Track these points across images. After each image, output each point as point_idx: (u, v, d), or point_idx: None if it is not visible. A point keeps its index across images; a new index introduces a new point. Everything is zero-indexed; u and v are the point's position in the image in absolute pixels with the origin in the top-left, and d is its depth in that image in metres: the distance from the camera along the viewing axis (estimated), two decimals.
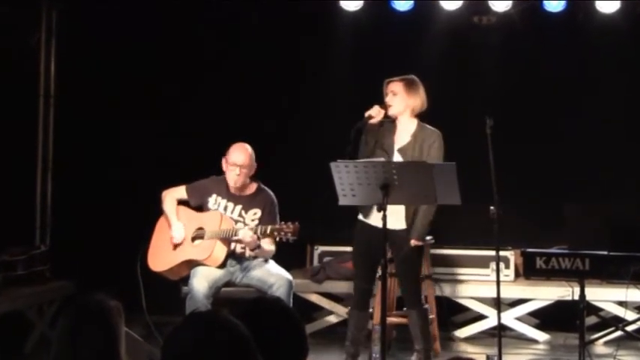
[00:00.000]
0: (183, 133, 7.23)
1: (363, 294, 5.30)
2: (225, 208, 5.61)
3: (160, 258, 5.62)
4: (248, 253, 5.54)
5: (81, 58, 7.17)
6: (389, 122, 5.29)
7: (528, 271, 5.58)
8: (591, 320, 6.50)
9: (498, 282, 5.19)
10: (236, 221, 5.57)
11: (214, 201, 5.63)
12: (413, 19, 7.14)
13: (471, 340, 6.71)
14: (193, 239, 5.58)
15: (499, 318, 5.26)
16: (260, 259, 5.58)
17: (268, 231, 5.31)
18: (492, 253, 5.49)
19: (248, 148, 5.61)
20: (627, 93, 7.06)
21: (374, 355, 5.38)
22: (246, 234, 5.34)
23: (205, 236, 5.52)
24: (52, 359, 2.84)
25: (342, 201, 4.76)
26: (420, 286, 5.49)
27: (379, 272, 4.91)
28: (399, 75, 5.40)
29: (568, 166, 7.06)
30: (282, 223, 5.33)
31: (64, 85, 7.24)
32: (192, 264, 5.52)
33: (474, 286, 6.71)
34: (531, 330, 6.72)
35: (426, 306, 5.43)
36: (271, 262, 5.63)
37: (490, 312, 6.60)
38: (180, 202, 5.71)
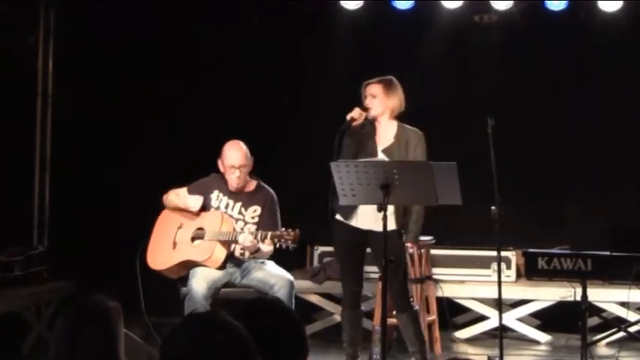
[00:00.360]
0: (182, 133, 7.23)
1: (353, 294, 5.26)
2: (227, 206, 5.59)
3: (160, 256, 5.59)
4: (247, 255, 5.50)
5: (79, 58, 7.16)
6: (368, 124, 5.25)
7: (530, 272, 5.53)
8: (593, 321, 6.46)
9: (500, 282, 5.17)
10: (236, 219, 5.55)
11: (216, 197, 5.61)
12: (413, 18, 7.14)
13: (472, 341, 6.70)
14: (193, 239, 5.55)
15: (500, 319, 5.24)
16: (259, 260, 5.55)
17: (268, 237, 5.27)
18: (493, 253, 5.51)
19: (242, 145, 5.56)
20: (629, 92, 7.03)
21: (374, 356, 5.36)
22: (246, 239, 5.31)
23: (205, 237, 5.49)
24: None
25: (343, 201, 4.74)
26: (408, 288, 5.41)
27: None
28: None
29: (569, 165, 7.05)
30: (283, 229, 5.28)
31: (62, 84, 7.23)
32: (191, 264, 5.49)
33: (475, 286, 6.70)
34: (533, 331, 6.71)
35: (416, 307, 5.37)
36: (272, 263, 5.60)
37: (491, 313, 6.59)
38: None
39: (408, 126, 5.28)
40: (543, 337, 6.66)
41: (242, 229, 5.49)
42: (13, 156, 6.85)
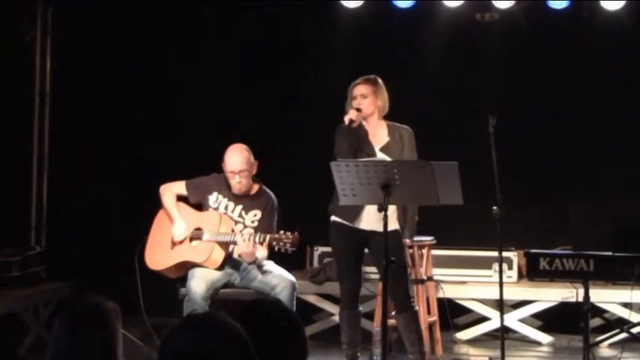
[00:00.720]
0: (181, 132, 7.21)
1: (351, 295, 5.22)
2: (226, 208, 5.56)
3: (158, 256, 5.56)
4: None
5: (77, 56, 7.12)
6: (358, 125, 5.20)
7: (531, 273, 5.47)
8: (596, 322, 6.48)
9: (501, 283, 5.18)
10: (236, 222, 5.52)
11: (215, 199, 5.58)
12: (414, 17, 7.11)
13: (473, 342, 6.67)
14: (191, 239, 5.53)
15: (502, 320, 5.24)
16: None
17: (267, 240, 5.24)
18: (495, 254, 5.54)
19: (243, 150, 5.52)
20: (632, 91, 7.00)
21: (375, 357, 5.34)
22: (245, 243, 5.26)
23: (203, 237, 5.47)
24: None
25: (343, 201, 4.72)
26: (409, 288, 5.37)
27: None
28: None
29: (572, 165, 7.03)
30: (282, 232, 5.24)
31: (60, 83, 7.20)
32: (189, 265, 5.46)
33: (476, 287, 6.67)
34: (535, 332, 6.68)
35: (416, 308, 5.35)
36: (272, 263, 5.57)
37: (493, 314, 6.56)
38: (179, 199, 5.65)
39: (396, 123, 5.27)
40: (545, 338, 6.63)
41: (241, 232, 5.45)
42: (11, 156, 6.84)
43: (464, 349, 6.52)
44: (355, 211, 5.08)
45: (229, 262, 5.50)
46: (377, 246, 4.97)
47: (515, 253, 6.67)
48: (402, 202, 4.92)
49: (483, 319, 6.69)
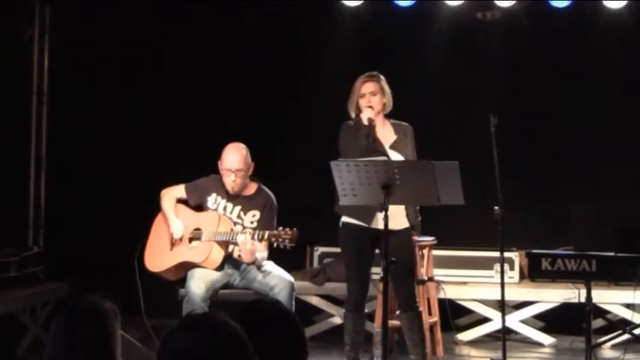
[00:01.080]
0: (181, 132, 7.18)
1: (358, 297, 5.19)
2: (225, 209, 5.55)
3: (157, 258, 5.55)
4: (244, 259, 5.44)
5: (75, 55, 7.10)
6: (357, 122, 5.17)
7: (533, 273, 5.51)
8: (598, 323, 6.45)
9: (503, 284, 5.16)
10: (235, 222, 5.50)
11: (214, 200, 5.57)
12: (415, 16, 7.10)
13: (474, 343, 6.64)
14: (190, 240, 5.51)
15: (503, 321, 5.23)
16: None
17: (266, 237, 5.22)
18: (496, 254, 5.44)
19: (241, 149, 5.50)
20: (634, 91, 6.98)
21: (376, 358, 5.31)
22: (245, 242, 5.23)
23: (202, 237, 5.45)
24: None
25: (343, 201, 4.70)
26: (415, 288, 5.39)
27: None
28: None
29: (574, 165, 7.01)
30: (281, 229, 5.22)
31: (58, 82, 7.18)
32: (188, 266, 5.44)
33: (477, 288, 6.64)
34: (536, 333, 6.66)
35: (420, 308, 5.34)
36: (271, 264, 5.55)
37: (494, 315, 6.54)
38: (179, 201, 5.64)
39: (397, 121, 5.27)
40: (547, 339, 6.61)
41: (239, 232, 5.42)
42: (8, 155, 6.81)
43: (465, 350, 6.50)
44: (369, 211, 5.04)
45: (229, 262, 5.48)
46: (390, 246, 4.92)
47: (517, 254, 6.65)
48: (403, 202, 4.89)
49: (485, 320, 6.67)
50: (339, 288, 6.54)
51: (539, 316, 6.73)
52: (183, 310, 5.29)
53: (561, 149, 7.05)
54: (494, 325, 6.52)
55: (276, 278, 5.40)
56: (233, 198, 5.53)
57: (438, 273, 6.37)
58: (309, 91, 7.18)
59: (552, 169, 7.03)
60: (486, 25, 7.07)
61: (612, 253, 5.18)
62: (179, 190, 5.62)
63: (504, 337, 5.19)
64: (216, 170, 5.60)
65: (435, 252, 6.33)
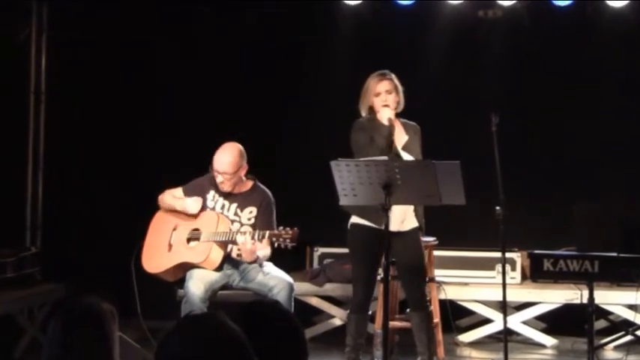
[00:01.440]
0: (179, 132, 7.16)
1: (364, 299, 5.18)
2: (222, 207, 5.52)
3: (155, 259, 5.52)
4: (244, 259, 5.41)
5: (73, 54, 7.07)
6: (376, 121, 5.14)
7: (535, 274, 5.48)
8: (600, 324, 6.39)
9: (504, 285, 5.14)
10: (232, 220, 5.47)
11: (212, 198, 5.55)
12: (416, 14, 7.08)
13: (476, 344, 6.62)
14: (189, 240, 5.48)
15: (505, 322, 5.22)
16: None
17: (266, 236, 5.19)
18: (498, 254, 5.50)
19: (235, 152, 5.43)
20: (636, 90, 6.96)
21: (376, 359, 5.28)
22: (246, 242, 5.21)
23: (201, 238, 5.42)
24: None
25: (343, 201, 4.67)
26: (425, 288, 5.39)
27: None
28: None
29: (576, 165, 6.98)
30: (281, 228, 5.20)
31: (56, 81, 7.15)
32: (187, 266, 5.42)
33: (479, 288, 6.62)
34: (538, 334, 6.63)
35: (431, 308, 5.31)
36: (271, 265, 5.53)
37: (496, 316, 6.51)
38: None
39: (406, 120, 5.25)
40: (549, 340, 6.58)
41: (238, 230, 5.40)
42: (5, 155, 6.78)
43: (466, 351, 6.48)
44: (379, 212, 4.94)
45: (228, 262, 5.45)
46: (399, 246, 5.02)
47: (519, 254, 6.63)
48: (404, 202, 4.86)
49: (486, 321, 6.64)
50: (339, 289, 6.56)
51: (541, 317, 6.71)
52: (181, 311, 5.27)
53: (563, 148, 7.02)
54: (496, 327, 6.50)
55: (276, 279, 5.37)
56: (229, 195, 5.50)
57: (439, 274, 6.34)
58: (309, 91, 7.16)
59: (554, 169, 7.00)
60: (488, 23, 7.07)
61: (615, 254, 5.16)
62: (177, 193, 5.60)
63: (506, 338, 5.18)
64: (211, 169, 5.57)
65: (436, 252, 6.29)
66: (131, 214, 6.12)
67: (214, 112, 7.06)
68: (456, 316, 6.55)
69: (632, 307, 6.30)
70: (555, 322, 6.66)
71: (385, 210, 4.50)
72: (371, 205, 4.70)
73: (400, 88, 5.20)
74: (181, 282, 5.40)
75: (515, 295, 6.43)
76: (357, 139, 5.09)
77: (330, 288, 6.54)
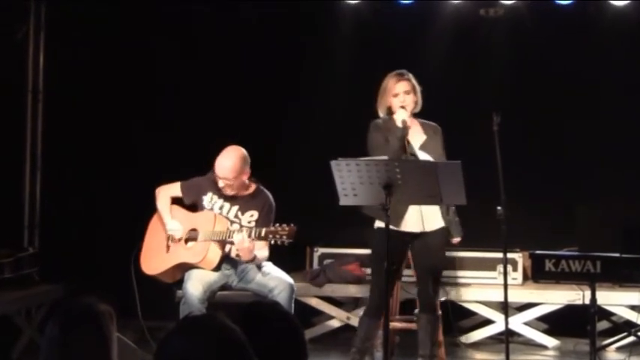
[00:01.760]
0: (178, 131, 7.14)
1: (380, 302, 5.08)
2: (221, 208, 5.49)
3: (153, 260, 5.51)
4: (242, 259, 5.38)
5: (71, 53, 7.05)
6: (391, 122, 5.13)
7: (537, 274, 5.46)
8: (602, 325, 6.37)
9: (506, 285, 5.13)
10: (232, 222, 5.44)
11: (210, 199, 5.51)
12: (417, 13, 7.07)
13: (477, 345, 6.59)
14: (186, 241, 5.46)
15: (506, 323, 5.19)
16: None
17: (263, 234, 5.17)
18: (499, 255, 5.51)
19: (238, 157, 5.39)
20: (638, 90, 6.93)
21: None
22: (244, 240, 5.17)
23: (199, 238, 5.40)
24: None
25: (343, 201, 4.64)
26: (439, 291, 5.37)
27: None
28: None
29: (578, 164, 6.95)
30: (278, 225, 5.17)
31: (54, 80, 7.14)
32: (185, 267, 5.40)
33: (480, 289, 6.59)
34: (540, 335, 6.60)
35: (439, 313, 5.29)
36: (270, 265, 5.50)
37: (497, 317, 6.49)
38: (175, 200, 5.59)
39: (425, 120, 5.25)
40: (551, 341, 6.56)
41: (237, 230, 5.36)
42: (3, 154, 6.77)
43: (467, 352, 6.46)
44: (397, 214, 4.97)
45: (227, 263, 5.43)
46: (420, 247, 5.07)
47: (520, 255, 6.61)
48: (405, 202, 4.85)
49: (487, 322, 6.62)
50: (339, 290, 6.55)
51: (542, 318, 6.68)
52: (180, 313, 5.23)
53: (565, 148, 6.99)
54: (497, 327, 6.47)
55: (275, 280, 5.34)
56: (230, 198, 5.48)
57: None
58: (309, 91, 7.14)
59: (556, 169, 6.97)
60: (489, 22, 7.05)
61: (618, 254, 5.14)
62: (174, 189, 5.57)
63: (507, 339, 5.16)
64: (213, 170, 5.54)
65: None
66: (129, 214, 6.11)
67: (214, 112, 7.04)
68: (457, 316, 6.54)
69: (634, 308, 6.27)
70: (557, 323, 6.63)
71: (385, 210, 4.47)
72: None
73: (418, 88, 5.21)
74: (180, 283, 5.37)
75: (516, 295, 6.41)
76: (372, 139, 5.10)
77: (329, 289, 6.51)
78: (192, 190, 5.53)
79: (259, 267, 5.41)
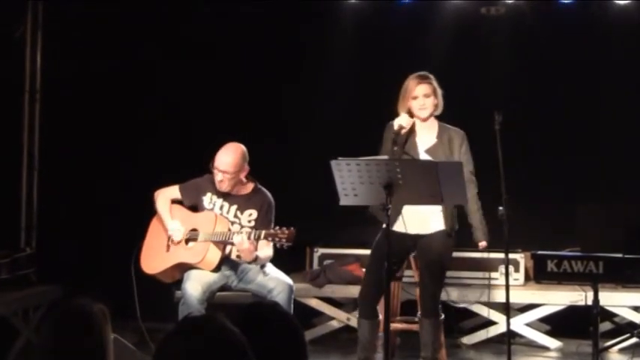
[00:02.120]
0: (178, 131, 7.13)
1: (373, 298, 5.10)
2: (221, 208, 5.47)
3: (153, 260, 5.49)
4: (243, 260, 5.36)
5: (68, 52, 7.03)
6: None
7: (539, 275, 5.49)
8: (605, 326, 6.34)
9: (507, 286, 5.11)
10: (232, 222, 5.42)
11: (209, 200, 5.49)
12: (418, 11, 7.07)
13: (478, 347, 6.57)
14: (187, 241, 5.44)
15: (508, 324, 5.18)
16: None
17: (262, 236, 5.15)
18: (501, 255, 5.41)
19: (238, 152, 5.39)
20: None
21: None
22: (243, 242, 5.15)
23: (199, 238, 5.37)
24: None
25: (344, 201, 4.62)
26: (440, 295, 5.31)
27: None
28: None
29: (581, 164, 6.93)
30: (277, 228, 5.15)
31: (51, 80, 7.10)
32: (185, 267, 5.37)
33: (482, 290, 6.53)
34: (542, 336, 6.58)
35: (442, 316, 5.25)
36: (270, 266, 5.48)
37: (499, 317, 6.46)
38: (174, 201, 5.57)
39: (448, 125, 5.20)
40: (553, 343, 6.53)
41: (238, 231, 5.34)
42: (0, 154, 6.75)
43: (469, 354, 6.44)
44: (402, 216, 4.96)
45: (226, 263, 5.40)
46: (420, 249, 5.05)
47: (522, 255, 6.59)
48: (405, 202, 4.82)
49: (489, 323, 6.59)
50: (339, 290, 6.53)
51: (544, 319, 6.66)
52: (179, 313, 5.22)
53: (567, 148, 6.97)
54: (499, 329, 6.45)
55: (275, 280, 5.32)
56: (229, 197, 5.45)
57: None
58: (309, 90, 7.12)
59: (558, 169, 6.95)
60: (490, 21, 7.05)
61: (620, 255, 5.15)
62: (173, 191, 5.55)
63: (509, 340, 5.16)
64: (210, 170, 5.51)
65: None
66: (127, 215, 6.11)
67: (214, 112, 7.03)
68: (459, 317, 6.54)
69: (637, 308, 6.29)
70: (559, 324, 6.61)
71: (386, 210, 4.45)
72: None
73: (439, 90, 5.17)
74: (179, 283, 5.35)
75: (518, 296, 6.38)
76: (385, 139, 5.09)
77: (329, 289, 6.50)
78: (192, 191, 5.51)
79: (262, 266, 5.38)
